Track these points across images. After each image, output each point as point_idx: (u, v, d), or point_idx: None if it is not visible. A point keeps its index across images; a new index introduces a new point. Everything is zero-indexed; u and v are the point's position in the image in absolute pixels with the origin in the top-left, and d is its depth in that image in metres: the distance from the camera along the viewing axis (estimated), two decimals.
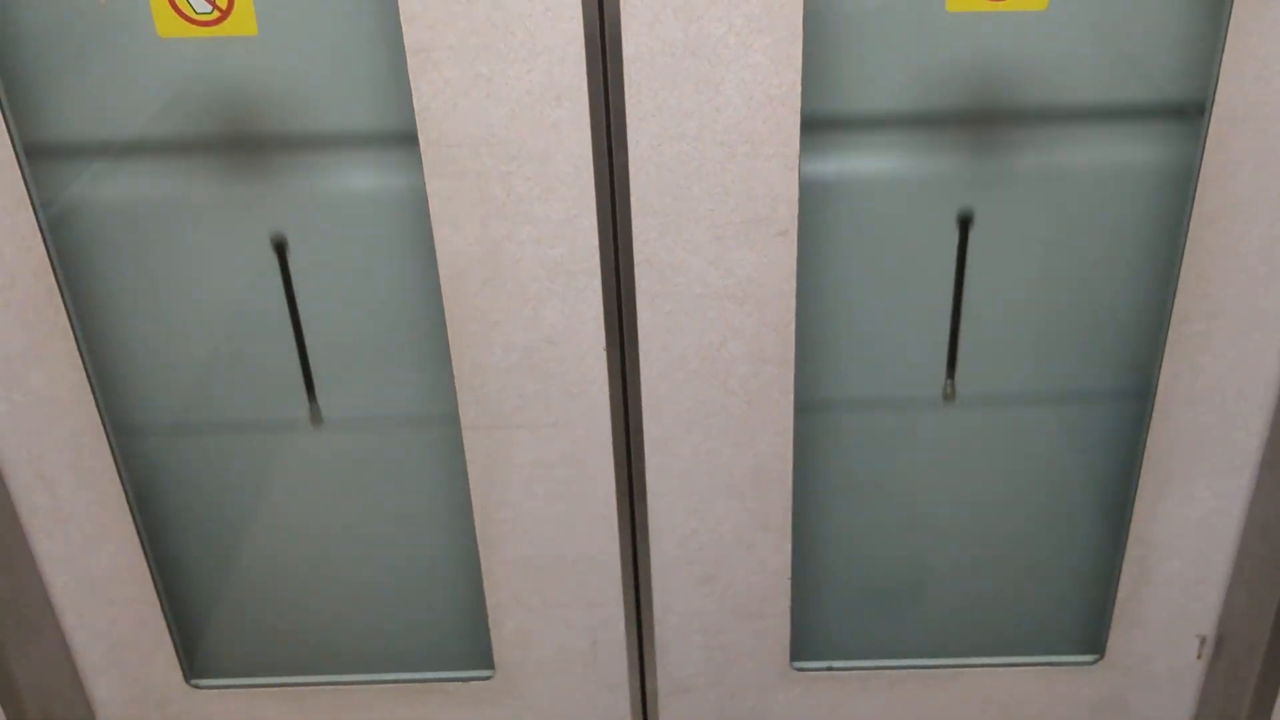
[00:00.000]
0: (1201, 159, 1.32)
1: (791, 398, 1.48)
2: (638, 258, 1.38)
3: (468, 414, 1.48)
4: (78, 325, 1.43)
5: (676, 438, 1.51)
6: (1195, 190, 1.34)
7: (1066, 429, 1.58)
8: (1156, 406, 1.49)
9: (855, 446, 1.60)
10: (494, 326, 1.42)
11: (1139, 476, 1.54)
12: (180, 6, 1.23)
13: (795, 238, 1.37)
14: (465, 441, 1.50)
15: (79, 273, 1.42)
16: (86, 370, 1.45)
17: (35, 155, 1.34)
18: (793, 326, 1.43)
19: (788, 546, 1.60)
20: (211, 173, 1.39)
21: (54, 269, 1.38)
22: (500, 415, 1.48)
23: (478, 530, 1.57)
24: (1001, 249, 1.45)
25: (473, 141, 1.30)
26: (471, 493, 1.54)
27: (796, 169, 1.32)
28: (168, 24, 1.25)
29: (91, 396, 1.47)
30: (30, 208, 1.34)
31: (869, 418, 1.58)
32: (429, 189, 1.33)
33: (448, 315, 1.41)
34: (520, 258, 1.38)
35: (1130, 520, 1.58)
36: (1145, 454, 1.52)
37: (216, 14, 1.25)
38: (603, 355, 1.44)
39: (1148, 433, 1.51)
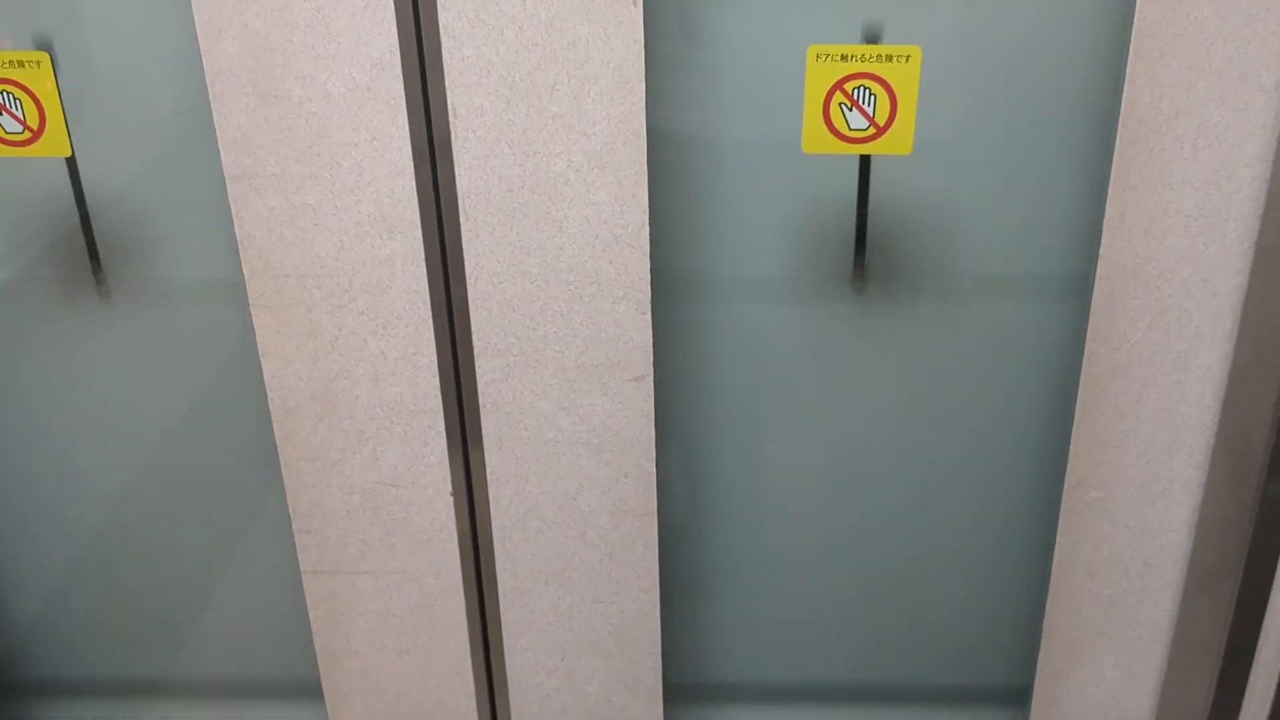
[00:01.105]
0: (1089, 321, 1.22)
1: (656, 551, 1.37)
2: (483, 400, 1.28)
3: (307, 558, 1.38)
4: None
5: (535, 590, 1.40)
6: (1085, 351, 1.24)
7: (971, 611, 1.46)
8: (1054, 578, 1.36)
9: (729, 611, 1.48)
10: (331, 467, 1.32)
11: (1040, 652, 1.42)
12: None
13: (651, 383, 1.27)
14: (305, 586, 1.40)
15: None
16: None
17: None
18: (653, 475, 1.32)
19: (658, 707, 1.47)
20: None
21: None
22: (342, 560, 1.38)
23: (323, 682, 1.46)
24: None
25: (300, 272, 1.22)
26: (315, 642, 1.43)
27: (649, 312, 1.23)
28: None
29: None
30: None
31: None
32: (255, 320, 1.25)
33: (280, 453, 1.31)
34: (356, 395, 1.28)
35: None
36: (1046, 626, 1.40)
37: (28, 134, 1.18)
38: (449, 500, 1.34)
39: (1047, 603, 1.38)
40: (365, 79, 1.13)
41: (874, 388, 1.34)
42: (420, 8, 1.10)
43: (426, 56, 1.12)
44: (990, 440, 1.37)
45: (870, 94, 1.13)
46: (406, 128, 1.15)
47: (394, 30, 1.11)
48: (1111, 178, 1.15)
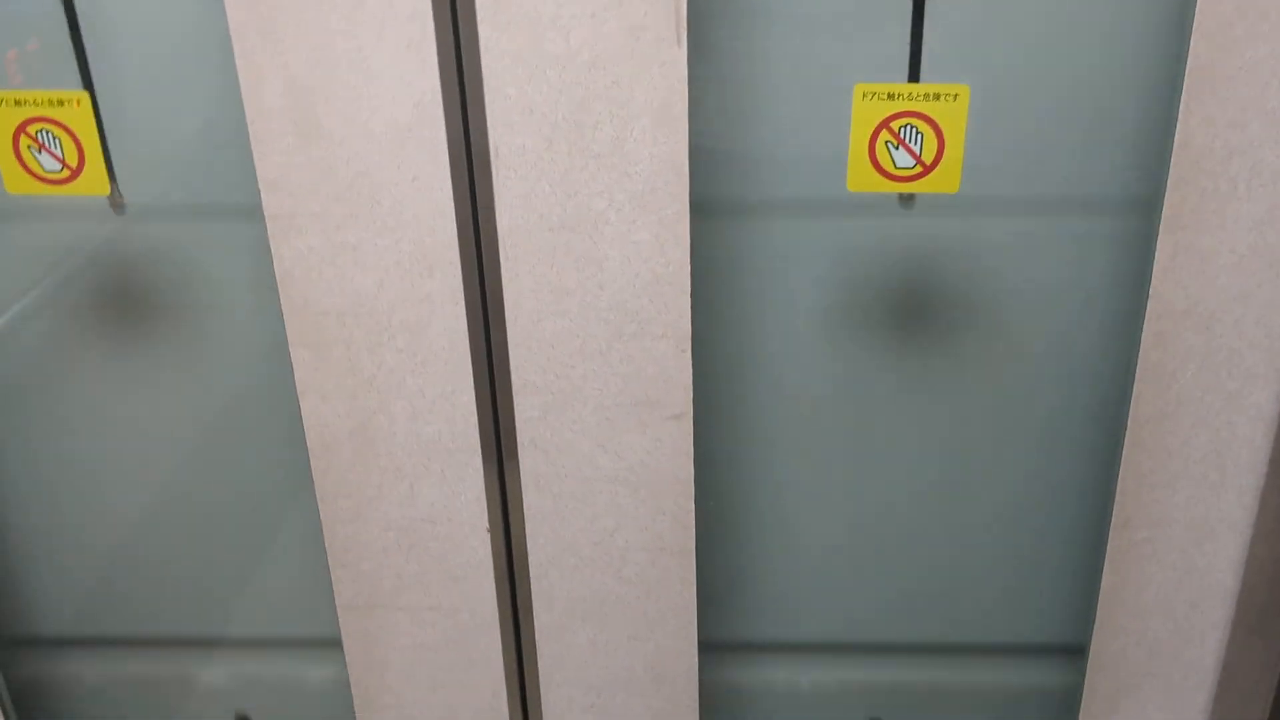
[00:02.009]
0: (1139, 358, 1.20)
1: (694, 589, 1.35)
2: (520, 438, 1.27)
3: (343, 592, 1.37)
4: None
5: (570, 627, 1.38)
6: (1134, 391, 1.22)
7: (1010, 677, 1.45)
8: (1100, 618, 1.34)
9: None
10: (368, 503, 1.31)
11: (1084, 692, 1.39)
12: (27, 163, 1.16)
13: (691, 421, 1.26)
14: (340, 620, 1.39)
15: None
16: None
17: None
18: (691, 514, 1.31)
19: None
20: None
21: None
22: (377, 595, 1.37)
23: (357, 714, 1.45)
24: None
25: (339, 311, 1.21)
26: (350, 677, 1.42)
27: (689, 350, 1.22)
28: (15, 180, 1.18)
29: None
30: None
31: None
32: (294, 357, 1.24)
33: (317, 488, 1.31)
34: (394, 432, 1.27)
35: None
36: (1090, 666, 1.38)
37: (67, 172, 1.18)
38: (486, 537, 1.33)
39: (1091, 644, 1.36)
40: (407, 119, 1.12)
41: (917, 426, 1.33)
42: (463, 48, 1.09)
43: (468, 96, 1.11)
44: (1035, 479, 1.35)
45: (917, 132, 1.11)
46: (448, 167, 1.14)
47: (436, 70, 1.10)
48: (1163, 218, 1.13)
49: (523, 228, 1.16)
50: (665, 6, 1.06)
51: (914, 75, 1.13)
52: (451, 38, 1.09)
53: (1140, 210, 1.19)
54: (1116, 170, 1.18)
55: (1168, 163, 1.11)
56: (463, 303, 1.21)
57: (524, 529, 1.33)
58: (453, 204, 1.16)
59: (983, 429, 1.33)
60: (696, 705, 1.42)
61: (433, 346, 1.23)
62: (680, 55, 1.08)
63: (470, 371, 1.24)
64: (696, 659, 1.40)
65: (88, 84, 1.17)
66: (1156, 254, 1.14)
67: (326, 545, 1.34)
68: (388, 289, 1.20)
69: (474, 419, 1.26)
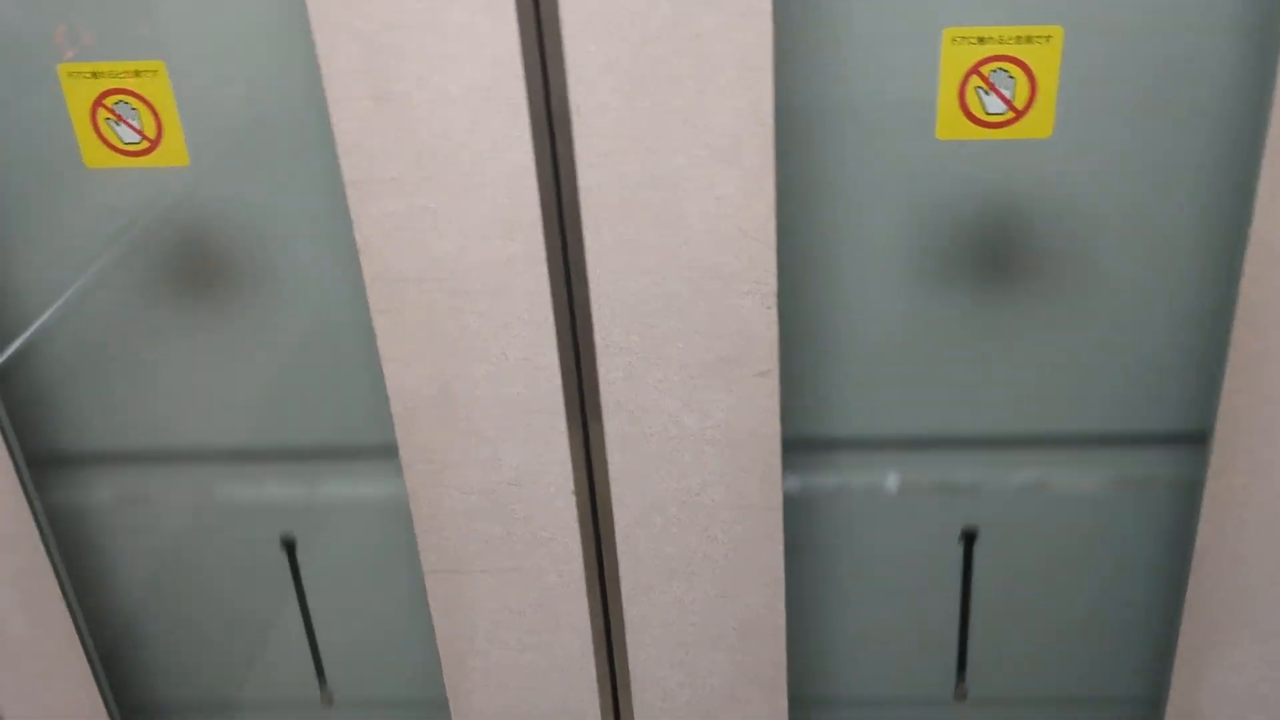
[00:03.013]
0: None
1: (781, 545, 1.34)
2: (604, 399, 1.26)
3: (428, 557, 1.37)
4: (22, 464, 1.36)
5: (657, 586, 1.38)
6: (1230, 338, 1.19)
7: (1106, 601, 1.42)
8: (1195, 565, 1.32)
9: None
10: (451, 468, 1.31)
11: (1179, 637, 1.37)
12: (106, 135, 1.16)
13: (777, 378, 1.24)
14: (427, 584, 1.39)
15: (23, 411, 1.36)
16: (33, 508, 1.38)
17: None
18: (779, 471, 1.30)
19: (782, 701, 1.45)
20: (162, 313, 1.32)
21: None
22: (461, 559, 1.37)
23: (446, 680, 1.46)
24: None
25: (419, 276, 1.20)
26: (437, 641, 1.43)
27: (774, 306, 1.20)
28: (94, 154, 1.18)
29: (39, 536, 1.39)
30: None
31: None
32: (375, 324, 1.23)
33: (402, 455, 1.31)
34: (477, 396, 1.27)
35: None
36: (1185, 612, 1.35)
37: (145, 144, 1.17)
38: (571, 498, 1.33)
39: (1187, 590, 1.34)
40: (485, 79, 1.10)
41: (1004, 382, 1.30)
42: (541, 4, 1.07)
43: (548, 54, 1.09)
44: (1129, 428, 1.32)
45: (1009, 77, 1.08)
46: (528, 127, 1.12)
47: (515, 28, 1.08)
48: (1264, 162, 1.09)
49: (604, 186, 1.14)
50: None
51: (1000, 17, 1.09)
52: None
53: (1239, 153, 1.15)
54: (1212, 129, 1.14)
55: (1270, 104, 1.07)
56: (544, 264, 1.19)
57: (609, 490, 1.32)
58: (533, 164, 1.14)
59: (1069, 376, 1.30)
60: (784, 663, 1.42)
61: (514, 309, 1.22)
62: (765, 5, 1.05)
63: (553, 333, 1.23)
64: (784, 616, 1.39)
65: (161, 53, 1.16)
66: (1258, 193, 1.11)
67: (411, 511, 1.34)
68: (468, 252, 1.19)
69: (557, 381, 1.26)
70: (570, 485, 1.32)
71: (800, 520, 1.39)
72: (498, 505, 1.33)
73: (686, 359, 1.23)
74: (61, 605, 1.45)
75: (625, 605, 1.40)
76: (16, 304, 1.34)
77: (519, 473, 1.31)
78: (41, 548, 1.41)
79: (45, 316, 1.35)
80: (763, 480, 1.30)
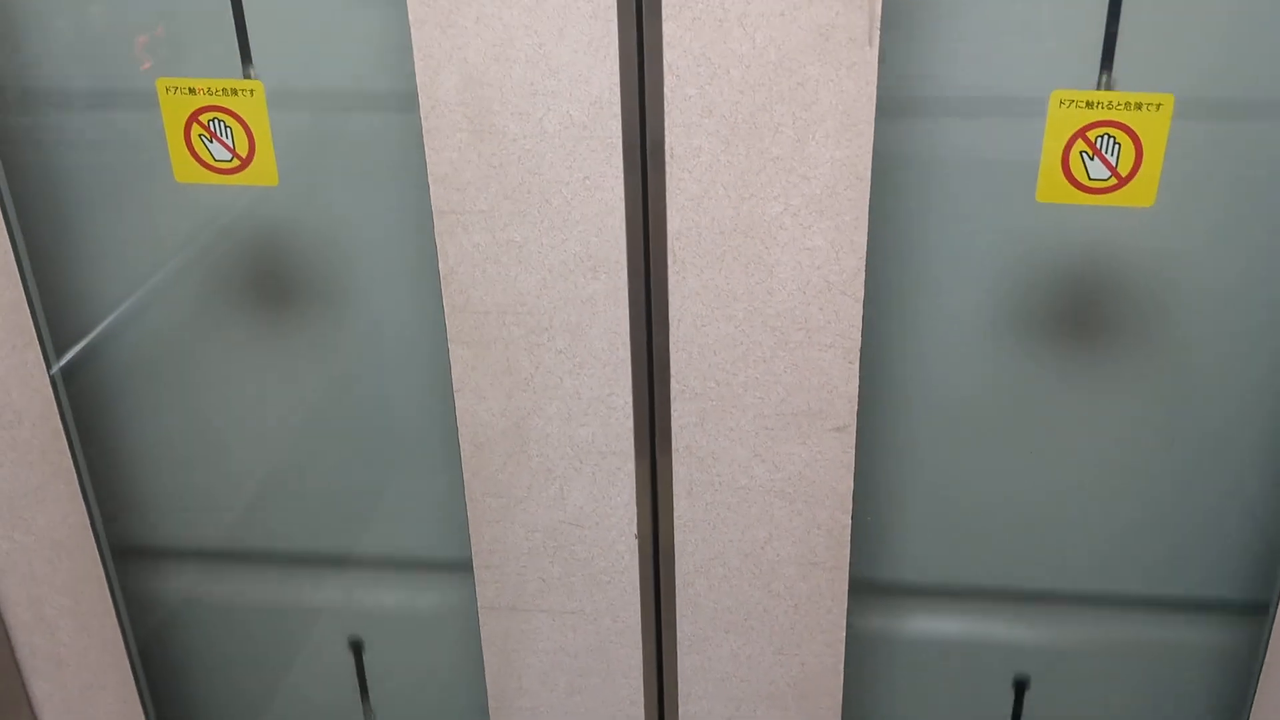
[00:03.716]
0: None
1: (844, 605, 1.32)
2: (676, 443, 1.24)
3: (485, 593, 1.36)
4: (83, 469, 1.35)
5: (713, 638, 1.35)
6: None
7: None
8: None
9: None
10: (516, 504, 1.30)
11: None
12: (198, 152, 1.16)
13: (854, 434, 1.22)
14: (481, 621, 1.37)
15: (88, 417, 1.35)
16: (90, 516, 1.37)
17: (46, 290, 1.27)
18: (848, 529, 1.27)
19: None
20: (229, 321, 1.31)
21: (61, 411, 1.31)
22: (520, 597, 1.35)
23: (491, 716, 1.44)
24: None
25: (500, 309, 1.19)
26: (486, 678, 1.41)
27: (857, 361, 1.18)
28: (185, 169, 1.18)
29: (94, 544, 1.38)
30: (39, 348, 1.27)
31: None
32: (452, 355, 1.22)
33: (467, 488, 1.29)
34: (548, 433, 1.25)
35: None
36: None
37: (237, 162, 1.17)
38: (634, 543, 1.30)
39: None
40: (583, 117, 1.09)
41: (1087, 440, 1.28)
42: (645, 46, 1.06)
43: (648, 95, 1.08)
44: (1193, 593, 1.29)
45: (1115, 143, 1.06)
46: (621, 167, 1.11)
47: (616, 68, 1.07)
48: None
49: (694, 230, 1.13)
50: (858, 6, 1.02)
51: (1107, 84, 1.08)
52: (634, 35, 1.06)
53: None
54: None
55: None
56: (626, 305, 1.18)
57: (673, 536, 1.30)
58: (623, 204, 1.13)
59: (1155, 439, 1.28)
60: None
61: (592, 348, 1.20)
62: (871, 57, 1.04)
63: (629, 374, 1.22)
64: (842, 677, 1.36)
65: (257, 73, 1.16)
66: None
67: (472, 546, 1.33)
68: (551, 289, 1.18)
69: (629, 423, 1.24)
70: (633, 529, 1.30)
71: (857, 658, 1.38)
72: (560, 545, 1.31)
73: (763, 409, 1.22)
74: (112, 617, 1.44)
75: (680, 655, 1.37)
76: (88, 307, 1.35)
77: (583, 513, 1.30)
78: (97, 555, 1.40)
79: (111, 321, 1.35)
80: (831, 537, 1.28)
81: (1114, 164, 1.07)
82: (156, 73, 1.15)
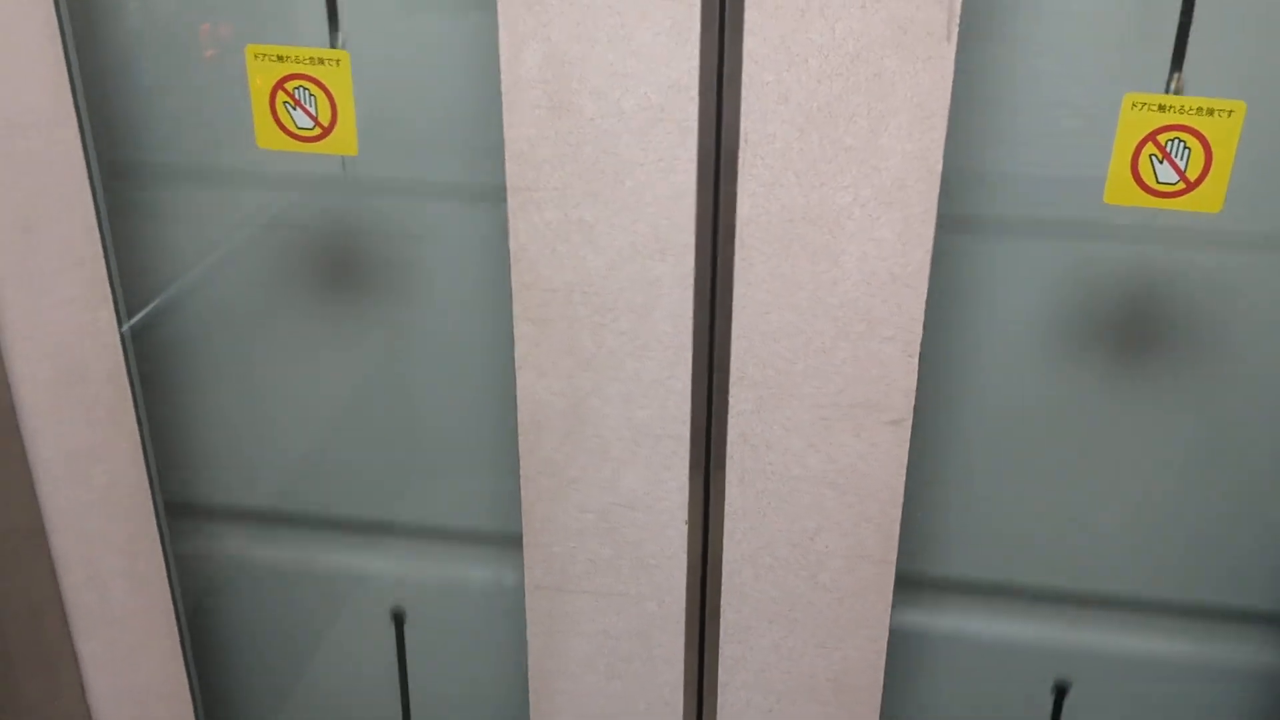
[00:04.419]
0: None
1: (890, 600, 1.32)
2: (731, 431, 1.26)
3: (533, 572, 1.37)
4: (145, 429, 1.37)
5: (756, 628, 1.36)
6: None
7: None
8: None
9: None
10: (570, 484, 1.31)
11: None
12: (281, 118, 1.19)
13: (909, 428, 1.23)
14: (527, 600, 1.39)
15: (154, 379, 1.38)
16: (150, 476, 1.39)
17: (124, 250, 1.30)
18: (898, 524, 1.28)
19: None
20: (291, 292, 1.34)
21: (129, 371, 1.33)
22: (567, 578, 1.37)
23: (531, 700, 1.45)
24: None
25: (568, 288, 1.21)
26: (529, 658, 1.42)
27: (916, 355, 1.19)
28: (267, 135, 1.20)
29: (151, 504, 1.41)
30: (112, 307, 1.30)
31: None
32: (516, 331, 1.24)
33: (522, 465, 1.31)
34: (606, 414, 1.27)
35: None
36: None
37: (318, 130, 1.20)
38: (683, 528, 1.32)
39: None
40: (660, 99, 1.12)
41: (1139, 454, 1.28)
42: (727, 31, 1.08)
43: (726, 81, 1.10)
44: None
45: (1185, 147, 1.07)
46: (695, 150, 1.13)
47: (696, 52, 1.09)
48: None
49: (763, 217, 1.15)
50: (937, 0, 1.04)
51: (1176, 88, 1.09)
52: (717, 20, 1.08)
53: None
54: None
55: None
56: (691, 288, 1.20)
57: (722, 523, 1.31)
58: (695, 188, 1.15)
59: (1209, 449, 1.28)
60: (877, 718, 1.39)
61: (655, 330, 1.22)
62: (949, 51, 1.06)
63: (690, 359, 1.23)
64: (883, 673, 1.37)
65: (344, 43, 1.19)
66: None
67: (523, 524, 1.34)
68: (618, 269, 1.20)
69: (687, 407, 1.26)
70: (684, 514, 1.31)
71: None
72: (611, 527, 1.33)
73: (820, 399, 1.23)
74: (164, 579, 1.46)
75: (722, 644, 1.38)
76: (160, 268, 1.37)
77: (635, 496, 1.31)
78: (153, 516, 1.42)
79: (180, 284, 1.37)
80: (880, 531, 1.29)
81: (1183, 168, 1.08)
82: (245, 39, 1.18)
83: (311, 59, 1.17)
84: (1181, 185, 1.10)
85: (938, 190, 1.11)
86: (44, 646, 1.47)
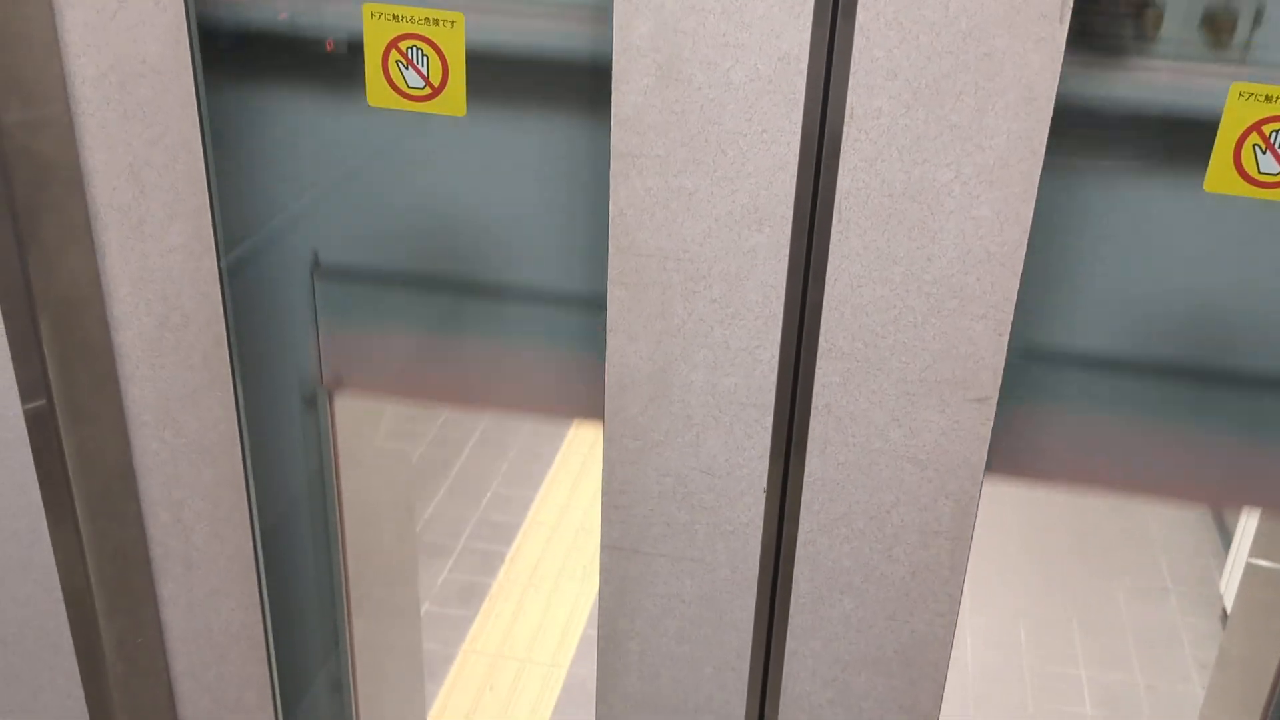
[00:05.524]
0: None
1: (963, 576, 1.34)
2: (816, 401, 1.28)
3: (610, 533, 1.40)
4: (239, 376, 1.41)
5: (828, 599, 1.39)
6: None
7: None
8: None
9: None
10: (652, 447, 1.34)
11: None
12: (393, 77, 1.21)
13: (994, 407, 1.25)
14: (601, 561, 1.41)
15: (250, 328, 1.41)
16: (239, 422, 1.43)
17: (226, 200, 1.33)
18: (976, 501, 1.30)
19: None
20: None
21: (226, 318, 1.37)
22: (643, 540, 1.39)
23: (599, 658, 1.47)
24: None
25: (663, 254, 1.24)
26: (599, 618, 1.45)
27: (1007, 334, 1.21)
28: (378, 93, 1.23)
29: (240, 452, 1.44)
30: (215, 255, 1.33)
31: None
32: (610, 295, 1.27)
33: (606, 427, 1.33)
34: (692, 381, 1.29)
35: None
36: None
37: (428, 90, 1.22)
38: (761, 496, 1.34)
39: None
40: (769, 71, 1.14)
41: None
42: (840, 5, 1.10)
43: (836, 54, 1.12)
44: None
45: None
46: (800, 123, 1.15)
47: (809, 25, 1.11)
48: None
49: (863, 191, 1.17)
50: None
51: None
52: None
53: None
54: None
55: None
56: (785, 259, 1.22)
57: (800, 493, 1.33)
58: (797, 160, 1.17)
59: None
60: (942, 697, 1.41)
61: (746, 299, 1.24)
62: (1060, 32, 1.07)
63: (779, 329, 1.25)
64: (950, 649, 1.39)
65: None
66: None
67: (603, 485, 1.37)
68: (714, 237, 1.22)
69: (773, 377, 1.28)
70: (763, 483, 1.34)
71: None
72: (689, 492, 1.35)
73: (906, 374, 1.25)
74: (246, 526, 1.49)
75: (792, 613, 1.41)
76: (258, 218, 1.40)
77: (716, 462, 1.33)
78: (240, 463, 1.45)
79: (274, 233, 1.40)
80: (957, 508, 1.31)
81: None
82: None
83: (427, 19, 1.19)
84: None
85: (1039, 171, 1.13)
86: (126, 587, 1.51)
